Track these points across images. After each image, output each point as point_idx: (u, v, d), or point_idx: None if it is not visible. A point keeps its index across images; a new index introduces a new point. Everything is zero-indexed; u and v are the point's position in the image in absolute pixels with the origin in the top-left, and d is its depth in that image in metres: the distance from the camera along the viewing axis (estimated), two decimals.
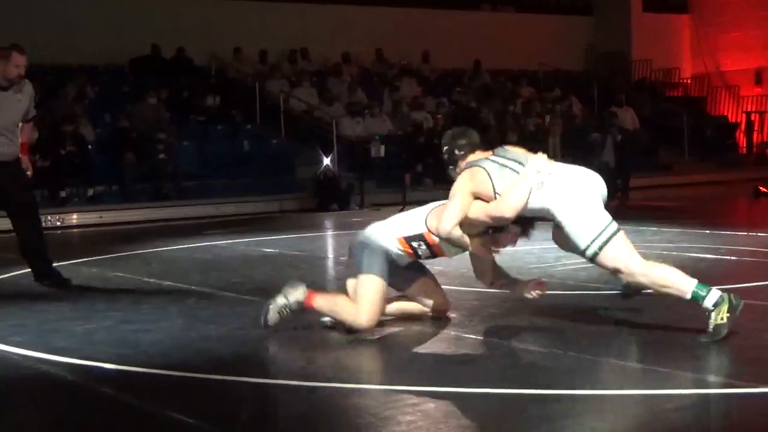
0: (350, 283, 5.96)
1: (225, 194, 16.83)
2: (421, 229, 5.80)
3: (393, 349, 5.21)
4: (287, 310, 5.82)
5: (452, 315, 6.27)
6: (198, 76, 20.66)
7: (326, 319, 5.89)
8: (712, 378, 4.75)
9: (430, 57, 23.97)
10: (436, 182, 18.82)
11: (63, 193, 15.61)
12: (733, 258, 8.86)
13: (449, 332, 5.63)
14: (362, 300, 5.65)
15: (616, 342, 5.45)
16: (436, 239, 5.76)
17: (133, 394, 4.62)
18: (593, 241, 5.41)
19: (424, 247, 5.82)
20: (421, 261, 6.08)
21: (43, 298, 7.55)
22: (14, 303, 7.41)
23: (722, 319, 5.20)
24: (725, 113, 26.02)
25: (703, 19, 27.17)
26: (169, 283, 8.16)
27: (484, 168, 5.69)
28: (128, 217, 15.05)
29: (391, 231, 5.89)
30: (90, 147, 16.54)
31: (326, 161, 17.35)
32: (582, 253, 5.51)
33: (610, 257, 5.40)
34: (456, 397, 4.39)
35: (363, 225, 12.95)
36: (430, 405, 4.30)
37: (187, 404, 4.43)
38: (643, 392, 4.41)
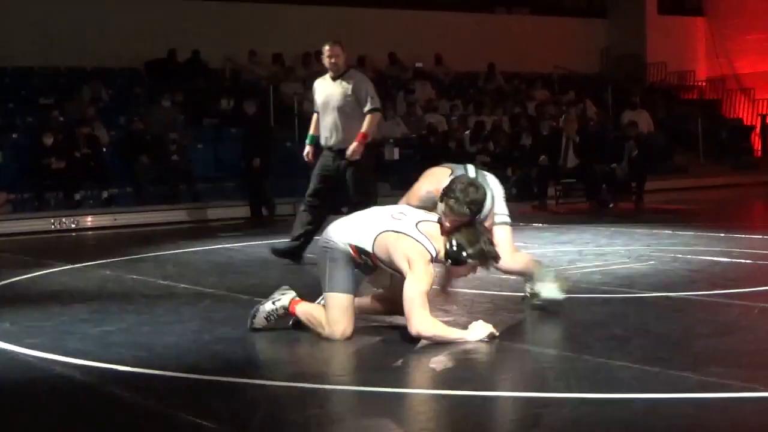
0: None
1: (239, 196, 16.82)
2: (369, 247, 5.62)
3: (408, 353, 5.20)
4: (275, 315, 5.88)
5: (463, 318, 6.26)
6: (212, 79, 20.70)
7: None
8: (732, 382, 4.72)
9: (444, 60, 23.94)
10: None
11: (77, 196, 15.64)
12: (747, 261, 8.82)
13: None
14: (331, 316, 5.62)
15: (631, 345, 5.43)
16: (379, 262, 5.65)
17: (147, 396, 4.63)
18: None
19: (369, 262, 5.70)
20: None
21: (58, 300, 7.57)
22: (29, 304, 7.44)
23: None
24: (740, 116, 25.92)
25: (719, 21, 27.09)
26: (183, 285, 8.18)
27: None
28: (142, 220, 15.09)
29: (346, 235, 5.75)
30: (104, 149, 16.59)
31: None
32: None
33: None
34: (470, 401, 4.38)
35: None
36: (444, 408, 4.29)
37: (201, 407, 4.44)
38: (659, 396, 4.40)
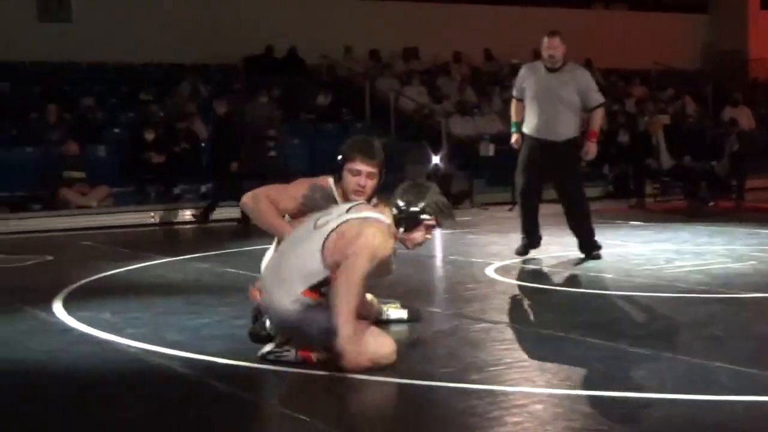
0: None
1: None
2: (324, 273, 4.90)
3: (497, 350, 5.18)
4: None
5: (559, 316, 6.22)
6: (309, 75, 20.86)
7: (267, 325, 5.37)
8: None
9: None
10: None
11: (176, 190, 15.89)
12: None
13: (553, 333, 5.59)
14: (372, 346, 4.92)
15: (729, 346, 5.34)
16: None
17: (245, 388, 4.69)
18: None
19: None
20: None
21: (156, 292, 7.71)
22: (129, 296, 7.58)
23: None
24: None
25: None
26: None
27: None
28: (239, 214, 15.26)
29: (292, 291, 4.92)
30: (203, 144, 16.82)
31: (436, 160, 17.33)
32: None
33: None
34: (563, 399, 4.36)
35: (472, 225, 12.98)
36: (538, 406, 4.27)
37: (298, 400, 4.48)
38: (757, 399, 4.32)
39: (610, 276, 7.97)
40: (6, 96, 17.11)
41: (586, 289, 7.35)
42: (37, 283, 8.65)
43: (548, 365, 4.91)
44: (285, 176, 16.92)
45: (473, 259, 9.33)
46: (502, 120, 20.19)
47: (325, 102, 19.71)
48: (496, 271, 8.45)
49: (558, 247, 10.21)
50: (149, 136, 15.71)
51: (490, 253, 9.90)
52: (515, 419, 4.06)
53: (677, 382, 4.58)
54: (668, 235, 11.12)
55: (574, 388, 4.52)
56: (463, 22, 22.88)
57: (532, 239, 9.25)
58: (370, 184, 5.49)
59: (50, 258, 10.56)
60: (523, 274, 8.29)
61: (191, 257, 10.05)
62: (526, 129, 9.17)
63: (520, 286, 7.65)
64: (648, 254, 9.39)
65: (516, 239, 9.44)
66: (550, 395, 4.45)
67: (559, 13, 24.40)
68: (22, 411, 4.51)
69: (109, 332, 6.09)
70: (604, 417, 4.08)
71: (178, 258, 10.00)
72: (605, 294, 7.11)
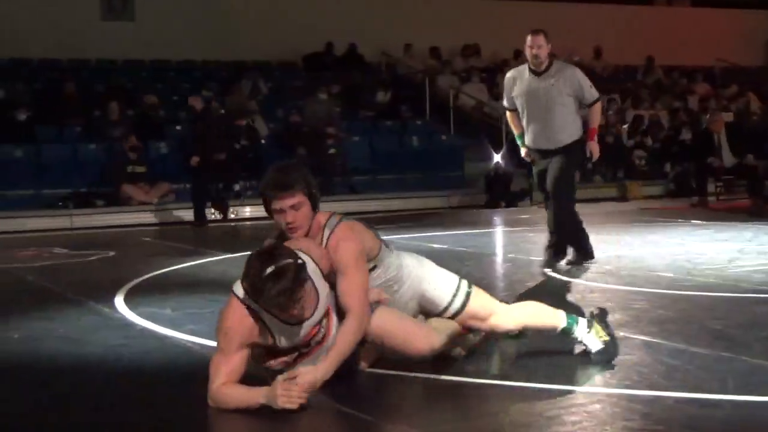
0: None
1: (393, 189, 16.97)
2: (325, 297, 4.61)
3: (555, 349, 5.16)
4: None
5: (619, 316, 6.19)
6: (368, 72, 20.90)
7: None
8: None
9: (603, 53, 23.61)
10: (606, 180, 18.62)
11: (237, 186, 16.01)
12: None
13: (617, 333, 5.54)
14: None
15: None
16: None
17: None
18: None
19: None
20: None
21: (216, 288, 7.76)
22: (190, 292, 7.66)
23: (602, 336, 4.97)
24: None
25: None
26: None
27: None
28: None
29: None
30: (263, 141, 16.93)
31: (497, 158, 17.29)
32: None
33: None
34: (622, 399, 4.33)
35: (531, 223, 12.94)
36: (596, 406, 4.25)
37: (350, 396, 4.50)
38: None
39: (670, 275, 7.90)
40: (70, 93, 17.36)
41: (645, 288, 7.29)
42: (100, 278, 8.77)
43: (607, 364, 4.89)
44: (344, 173, 17.14)
45: (532, 258, 9.29)
46: None
47: (384, 99, 19.74)
48: (555, 269, 8.42)
49: (616, 246, 10.15)
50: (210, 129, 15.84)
51: None
52: (573, 418, 4.05)
53: (737, 382, 4.53)
54: (730, 234, 10.99)
55: (633, 387, 4.50)
56: (523, 19, 22.73)
57: (555, 243, 8.65)
58: (301, 214, 4.73)
59: (112, 254, 10.69)
60: (583, 273, 8.24)
61: (251, 253, 10.09)
62: (526, 140, 8.64)
63: (578, 285, 7.61)
64: (710, 253, 9.29)
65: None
66: (609, 395, 4.42)
67: (621, 10, 24.27)
68: (83, 406, 4.57)
69: (170, 328, 6.16)
70: (662, 417, 4.05)
71: (237, 254, 10.07)
72: (665, 293, 7.05)
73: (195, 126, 15.04)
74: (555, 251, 8.60)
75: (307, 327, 4.44)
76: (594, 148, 8.50)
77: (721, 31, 24.75)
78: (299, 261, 4.23)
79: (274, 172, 4.79)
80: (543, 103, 8.34)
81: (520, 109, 8.58)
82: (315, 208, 4.80)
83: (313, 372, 4.34)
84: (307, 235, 4.75)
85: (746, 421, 4.02)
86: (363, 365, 4.80)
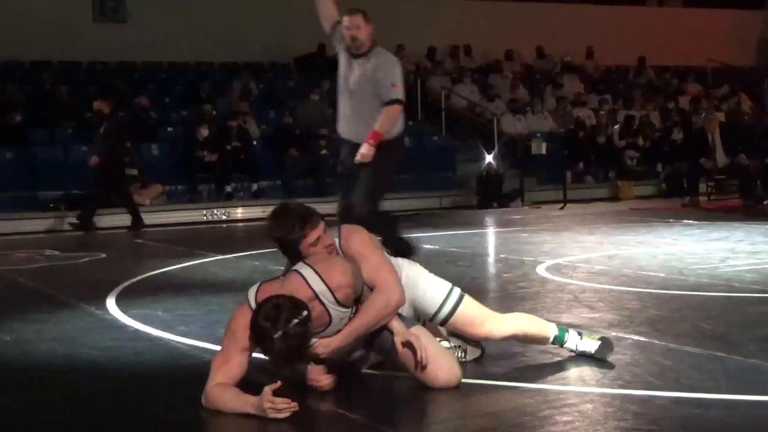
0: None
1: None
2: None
3: (548, 349, 5.16)
4: None
5: (611, 316, 6.19)
6: None
7: None
8: None
9: (594, 53, 23.64)
10: (597, 180, 18.65)
11: (229, 188, 16.01)
12: None
13: (609, 333, 5.55)
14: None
15: None
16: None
17: (294, 385, 4.70)
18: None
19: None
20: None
21: (208, 290, 7.77)
22: (182, 293, 7.64)
23: (594, 339, 5.02)
24: None
25: None
26: None
27: None
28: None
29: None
30: (255, 143, 16.92)
31: (489, 158, 17.30)
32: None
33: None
34: (615, 399, 4.33)
35: (523, 223, 12.95)
36: (589, 406, 4.26)
37: (343, 396, 4.50)
38: None
39: (662, 275, 7.91)
40: (63, 95, 17.32)
41: (638, 288, 7.30)
42: (91, 280, 8.77)
43: (599, 364, 4.89)
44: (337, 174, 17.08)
45: (525, 258, 9.30)
46: (554, 118, 20.13)
47: None
48: (548, 269, 8.42)
49: (608, 246, 10.17)
50: (204, 132, 15.84)
51: (541, 251, 9.86)
52: (566, 418, 4.05)
53: (730, 382, 4.54)
54: (722, 234, 11.01)
55: (626, 387, 4.50)
56: (515, 20, 22.82)
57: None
58: (328, 236, 4.72)
59: (104, 255, 10.68)
60: (575, 273, 8.25)
61: (244, 255, 10.10)
62: (338, 126, 7.77)
63: (571, 285, 7.61)
64: (701, 253, 9.31)
65: (568, 238, 9.39)
66: (602, 394, 4.43)
67: (612, 10, 24.29)
68: (76, 408, 4.56)
69: (161, 329, 6.15)
70: (655, 417, 4.05)
71: (230, 255, 10.07)
72: (657, 293, 7.06)
73: (106, 128, 14.34)
74: None
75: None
76: (365, 149, 7.19)
77: (712, 32, 24.78)
78: (304, 314, 4.22)
79: (296, 212, 4.72)
80: (354, 90, 7.43)
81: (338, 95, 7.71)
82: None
83: (330, 340, 4.44)
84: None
85: (739, 421, 4.03)
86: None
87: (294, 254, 4.72)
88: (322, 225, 4.70)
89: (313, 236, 4.64)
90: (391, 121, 7.33)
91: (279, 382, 4.20)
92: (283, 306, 4.22)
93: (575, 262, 8.89)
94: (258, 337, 4.23)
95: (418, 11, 21.94)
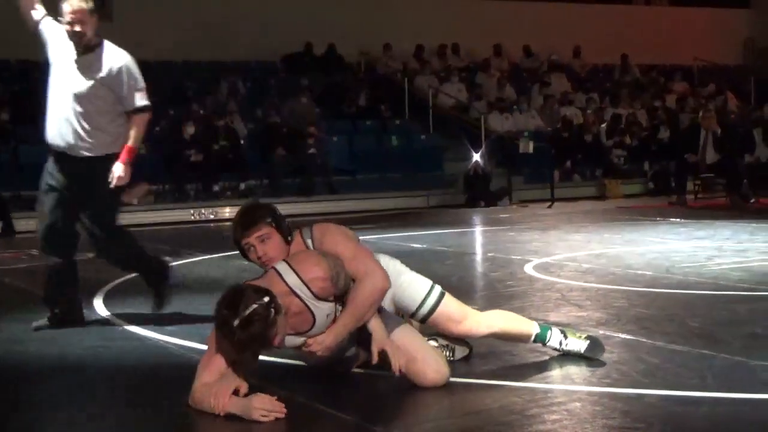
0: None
1: (373, 189, 16.98)
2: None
3: (535, 347, 5.17)
4: None
5: (598, 314, 6.21)
6: (348, 72, 20.90)
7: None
8: None
9: (582, 52, 23.67)
10: (585, 179, 18.68)
11: (216, 187, 15.99)
12: None
13: (596, 331, 5.56)
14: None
15: None
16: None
17: (282, 386, 4.70)
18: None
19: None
20: None
21: (196, 289, 7.76)
22: (173, 293, 7.61)
23: (581, 338, 5.02)
24: None
25: None
26: None
27: None
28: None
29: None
30: (242, 142, 16.90)
31: (476, 157, 17.32)
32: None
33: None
34: (602, 397, 4.35)
35: (511, 222, 12.96)
36: (577, 404, 4.27)
37: (332, 395, 4.50)
38: None
39: (649, 273, 7.93)
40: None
41: (625, 286, 7.31)
42: (79, 279, 8.71)
43: (587, 363, 4.90)
44: (324, 173, 17.13)
45: (512, 257, 9.31)
46: (541, 116, 20.15)
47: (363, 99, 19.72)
48: (535, 268, 8.44)
49: (595, 245, 10.19)
50: (190, 130, 15.81)
51: (528, 250, 9.88)
52: (554, 417, 4.06)
53: (717, 380, 4.55)
54: (709, 232, 11.05)
55: (613, 385, 4.51)
56: (503, 19, 22.83)
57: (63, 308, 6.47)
58: (270, 246, 4.71)
59: (91, 255, 10.62)
60: (562, 272, 8.26)
61: (231, 254, 10.08)
62: (46, 134, 6.49)
63: (558, 284, 7.63)
64: (688, 251, 9.33)
65: (556, 236, 9.39)
66: (589, 393, 4.44)
67: (598, 9, 24.33)
68: (64, 407, 4.55)
69: (149, 329, 6.15)
70: (642, 415, 4.06)
71: (218, 255, 10.06)
72: (644, 291, 7.08)
73: None
74: (156, 291, 6.74)
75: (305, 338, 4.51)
76: (121, 170, 6.32)
77: (699, 30, 24.84)
78: (265, 300, 4.18)
79: (237, 217, 4.83)
80: (72, 90, 6.24)
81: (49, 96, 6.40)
82: (287, 237, 4.79)
83: (323, 336, 4.47)
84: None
85: (725, 418, 4.04)
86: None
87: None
88: (254, 233, 4.70)
89: (244, 241, 4.73)
90: (141, 134, 6.47)
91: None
92: (243, 293, 4.22)
93: (563, 261, 8.90)
94: (218, 324, 4.23)
95: (404, 10, 21.93)
